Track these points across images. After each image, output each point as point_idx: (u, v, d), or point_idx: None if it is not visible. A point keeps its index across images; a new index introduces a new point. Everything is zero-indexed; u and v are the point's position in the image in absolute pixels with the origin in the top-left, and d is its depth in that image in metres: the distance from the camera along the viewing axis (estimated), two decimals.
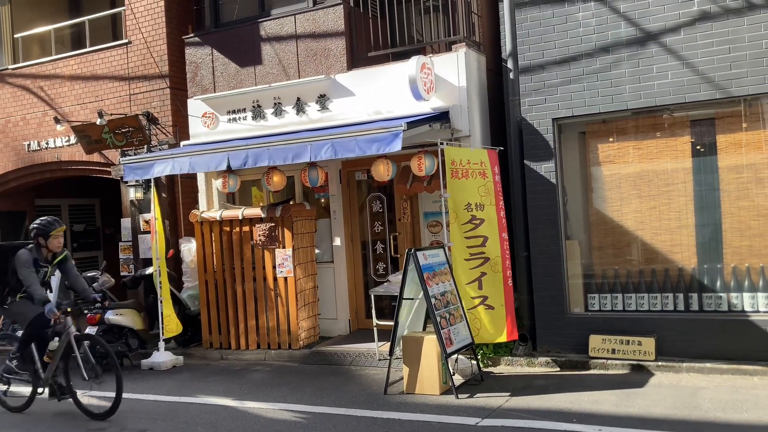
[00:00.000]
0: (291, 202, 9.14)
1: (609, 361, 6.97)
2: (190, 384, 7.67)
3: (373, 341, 8.51)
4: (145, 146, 10.18)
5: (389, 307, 9.11)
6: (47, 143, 11.61)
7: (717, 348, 6.64)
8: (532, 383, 6.63)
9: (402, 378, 6.72)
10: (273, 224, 8.78)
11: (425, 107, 7.96)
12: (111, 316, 8.69)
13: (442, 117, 7.87)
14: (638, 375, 6.67)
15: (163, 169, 8.19)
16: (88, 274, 9.68)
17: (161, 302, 8.86)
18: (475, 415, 5.65)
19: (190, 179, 10.43)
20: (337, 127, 8.34)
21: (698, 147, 7.02)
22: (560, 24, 7.33)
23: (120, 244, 10.87)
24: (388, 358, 6.68)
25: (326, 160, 7.53)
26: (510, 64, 7.85)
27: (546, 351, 7.45)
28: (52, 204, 13.82)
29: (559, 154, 7.47)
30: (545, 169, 7.44)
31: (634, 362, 6.85)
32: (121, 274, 10.68)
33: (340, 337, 9.22)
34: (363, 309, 9.57)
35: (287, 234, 8.73)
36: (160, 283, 8.87)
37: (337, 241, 9.41)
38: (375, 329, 8.01)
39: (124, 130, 10.33)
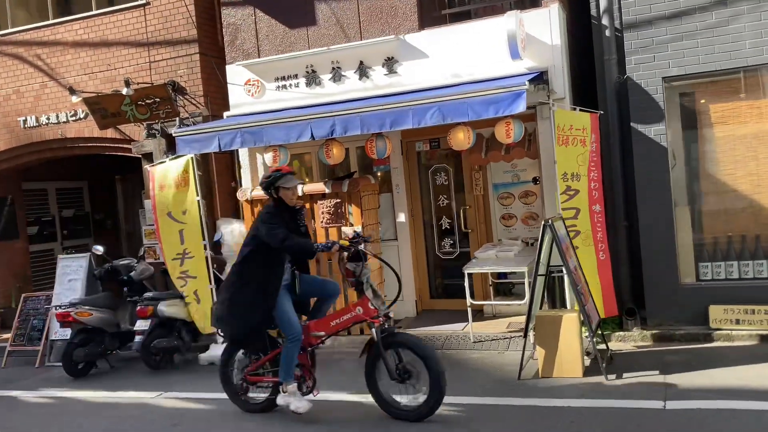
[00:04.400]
0: (354, 176, 8.39)
1: (734, 332, 6.63)
2: None
3: (449, 323, 8.06)
4: (177, 119, 9.16)
5: (456, 286, 8.58)
6: (48, 118, 10.37)
7: None
8: (667, 359, 6.21)
9: (525, 361, 6.18)
10: (339, 200, 8.01)
11: (518, 68, 7.34)
12: (164, 308, 7.76)
13: (536, 79, 7.28)
14: None
15: (228, 141, 7.28)
16: (122, 262, 8.69)
17: (213, 290, 8.01)
18: (649, 397, 5.17)
19: (224, 154, 9.51)
20: (411, 92, 7.64)
21: None
22: None
23: (144, 228, 9.83)
24: (523, 339, 6.12)
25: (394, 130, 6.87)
26: (605, 21, 7.35)
27: (658, 324, 7.05)
28: (39, 188, 12.54)
29: (667, 115, 7.02)
30: (655, 131, 6.98)
31: (764, 332, 6.53)
32: (147, 261, 9.66)
33: (408, 319, 8.59)
34: (427, 289, 8.97)
35: (355, 210, 7.99)
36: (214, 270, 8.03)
37: (401, 217, 8.74)
38: (470, 309, 7.42)
39: (148, 102, 9.28)
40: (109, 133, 9.95)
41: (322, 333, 5.45)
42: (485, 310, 8.32)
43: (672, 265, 7.03)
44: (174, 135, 7.57)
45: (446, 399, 5.56)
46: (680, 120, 7.13)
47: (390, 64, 8.02)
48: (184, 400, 6.30)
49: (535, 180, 8.15)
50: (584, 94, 7.96)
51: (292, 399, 5.33)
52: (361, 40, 8.16)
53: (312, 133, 6.94)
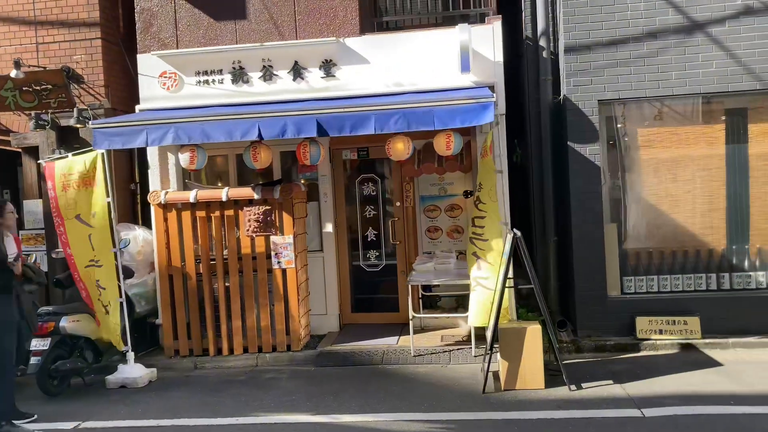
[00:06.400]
0: (281, 183, 7.90)
1: (658, 342, 7.09)
2: (205, 402, 6.18)
3: (377, 337, 7.89)
4: (75, 110, 8.08)
5: (379, 299, 8.45)
6: None
7: (755, 323, 7.08)
8: (613, 369, 6.46)
9: (479, 373, 6.14)
10: (268, 207, 7.51)
11: (464, 81, 7.37)
12: (67, 324, 6.73)
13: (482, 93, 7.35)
14: (693, 353, 6.86)
15: (158, 136, 6.50)
16: None
17: (122, 304, 7.11)
18: (621, 406, 5.32)
19: (124, 153, 8.59)
20: (350, 98, 7.40)
21: (731, 135, 7.41)
22: (608, 5, 7.25)
23: (22, 233, 8.52)
24: (488, 353, 6.03)
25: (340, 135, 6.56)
26: (543, 43, 7.63)
27: (587, 336, 7.34)
28: None
29: (600, 136, 7.39)
30: (590, 151, 7.32)
31: (683, 341, 7.05)
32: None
33: (332, 334, 8.22)
34: (348, 302, 8.67)
35: (287, 219, 7.53)
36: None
37: (328, 227, 8.38)
38: (411, 323, 7.25)
39: (37, 88, 8.12)
40: None
41: None
42: (413, 323, 8.18)
43: (601, 278, 7.39)
44: (91, 127, 6.62)
45: (421, 416, 5.38)
46: (611, 141, 7.54)
47: (328, 66, 7.69)
48: (114, 429, 5.46)
49: (466, 193, 8.21)
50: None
51: None
52: (297, 39, 7.76)
53: (260, 132, 6.41)
